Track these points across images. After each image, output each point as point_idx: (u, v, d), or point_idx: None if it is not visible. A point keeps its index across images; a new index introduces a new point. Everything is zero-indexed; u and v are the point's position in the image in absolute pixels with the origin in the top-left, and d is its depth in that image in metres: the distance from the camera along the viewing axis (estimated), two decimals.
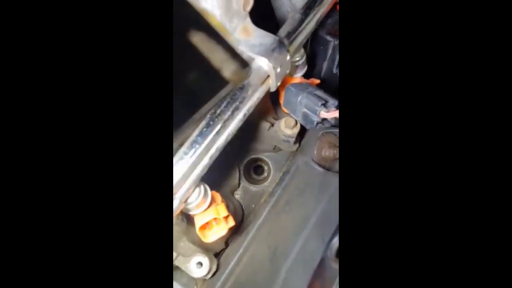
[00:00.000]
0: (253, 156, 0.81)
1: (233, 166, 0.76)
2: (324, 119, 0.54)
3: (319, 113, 0.52)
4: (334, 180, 0.66)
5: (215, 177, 0.74)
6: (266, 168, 0.86)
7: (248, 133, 0.73)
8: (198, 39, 0.44)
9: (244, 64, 0.44)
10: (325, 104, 0.52)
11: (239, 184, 0.78)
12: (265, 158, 0.81)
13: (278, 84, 0.55)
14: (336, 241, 0.56)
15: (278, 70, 0.52)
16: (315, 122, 0.53)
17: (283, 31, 0.54)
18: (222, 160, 0.75)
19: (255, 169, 0.85)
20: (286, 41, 0.53)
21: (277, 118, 0.73)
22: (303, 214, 0.63)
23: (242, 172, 0.80)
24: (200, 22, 0.43)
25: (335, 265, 0.56)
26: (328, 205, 0.63)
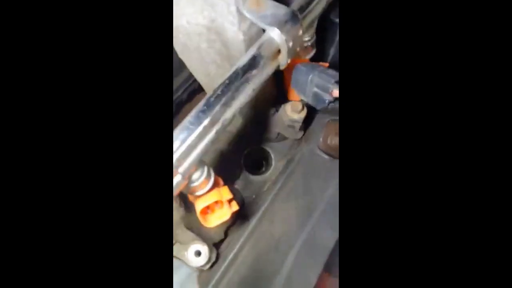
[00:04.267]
0: (254, 146, 0.78)
1: (234, 154, 0.72)
2: (336, 99, 0.51)
3: (332, 91, 0.49)
4: None
5: (215, 164, 0.70)
6: (265, 163, 0.83)
7: (251, 118, 0.70)
8: None
9: None
10: (338, 82, 0.50)
11: (239, 173, 0.74)
12: (267, 149, 0.78)
13: (289, 61, 0.52)
14: None
15: (290, 44, 0.49)
16: (327, 101, 0.50)
17: (295, 5, 0.52)
18: (222, 146, 0.72)
19: (255, 165, 0.82)
20: (299, 15, 0.50)
21: (280, 104, 0.70)
22: (309, 202, 0.60)
23: (242, 162, 0.76)
24: None
25: None
26: (335, 193, 0.60)
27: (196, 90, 0.86)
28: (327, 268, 0.49)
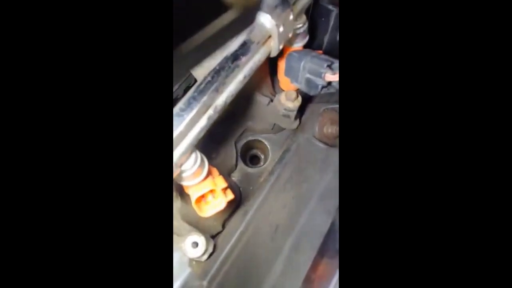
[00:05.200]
0: (251, 138, 0.78)
1: (230, 146, 0.72)
2: (329, 83, 0.50)
3: (324, 75, 0.49)
4: (337, 156, 0.63)
5: (211, 156, 0.70)
6: (263, 157, 0.82)
7: (246, 109, 0.70)
8: None
9: None
10: (330, 66, 0.49)
11: (236, 165, 0.73)
12: (264, 141, 0.78)
13: (281, 47, 0.52)
14: None
15: (281, 29, 0.49)
16: (319, 86, 0.50)
17: None
18: (218, 138, 0.71)
19: (251, 159, 0.81)
20: (289, 0, 0.50)
21: (275, 95, 0.69)
22: (306, 190, 0.59)
23: (239, 155, 0.76)
24: None
25: None
26: (332, 180, 0.59)
27: (192, 85, 0.85)
28: (319, 251, 0.48)
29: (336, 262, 0.46)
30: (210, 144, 0.69)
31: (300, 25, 0.58)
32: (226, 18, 0.32)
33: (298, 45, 0.61)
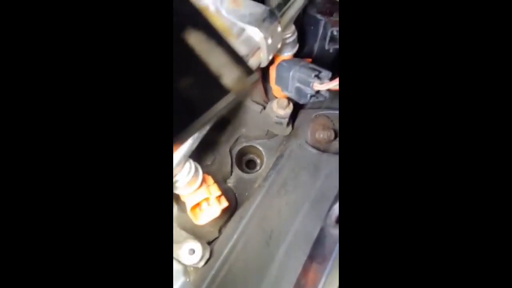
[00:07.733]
0: (245, 144, 0.79)
1: (225, 152, 0.73)
2: (317, 92, 0.52)
3: (312, 85, 0.50)
4: (329, 161, 0.64)
5: (207, 163, 0.71)
6: (258, 161, 0.84)
7: (239, 117, 0.71)
8: (195, 40, 0.37)
9: (249, 71, 0.38)
10: (318, 76, 0.51)
11: (231, 171, 0.75)
12: (257, 146, 0.79)
13: (270, 57, 0.54)
14: (335, 209, 0.54)
15: (269, 41, 0.51)
16: (308, 95, 0.51)
17: (273, 2, 0.53)
18: (213, 146, 0.73)
19: (247, 163, 0.83)
20: (277, 12, 0.51)
21: (267, 102, 0.71)
22: (299, 196, 0.61)
23: (234, 160, 0.77)
24: (199, 21, 0.37)
25: (334, 231, 0.53)
26: (324, 185, 0.61)
27: None
28: (309, 256, 0.50)
29: (323, 267, 0.48)
30: (206, 151, 0.71)
31: (289, 35, 0.59)
32: (226, 100, 0.36)
33: (288, 53, 0.62)
